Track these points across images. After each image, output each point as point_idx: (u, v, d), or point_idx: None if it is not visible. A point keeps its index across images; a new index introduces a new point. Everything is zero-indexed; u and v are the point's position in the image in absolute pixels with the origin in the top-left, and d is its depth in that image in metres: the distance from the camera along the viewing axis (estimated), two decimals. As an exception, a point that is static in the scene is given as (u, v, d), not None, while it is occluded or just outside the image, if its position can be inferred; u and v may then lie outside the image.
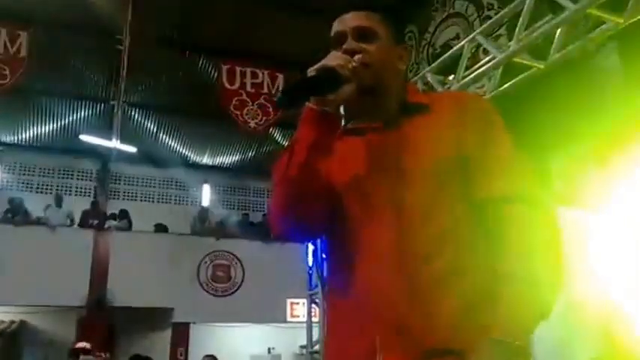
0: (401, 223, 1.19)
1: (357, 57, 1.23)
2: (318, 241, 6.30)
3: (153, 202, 12.65)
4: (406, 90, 1.36)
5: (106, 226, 10.50)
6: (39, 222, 10.05)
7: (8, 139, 11.58)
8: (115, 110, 10.63)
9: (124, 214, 10.94)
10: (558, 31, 3.67)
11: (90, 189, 11.68)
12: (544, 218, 1.18)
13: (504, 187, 1.20)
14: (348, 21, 1.31)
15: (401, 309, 1.13)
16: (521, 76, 3.95)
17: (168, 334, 10.05)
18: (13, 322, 10.01)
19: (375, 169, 1.26)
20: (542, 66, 3.76)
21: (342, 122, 1.36)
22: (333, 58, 1.19)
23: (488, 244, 1.18)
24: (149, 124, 11.53)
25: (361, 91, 1.21)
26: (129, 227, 10.73)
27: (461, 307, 1.13)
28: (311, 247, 6.91)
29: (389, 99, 1.30)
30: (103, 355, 7.92)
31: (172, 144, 12.00)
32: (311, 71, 1.17)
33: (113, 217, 10.95)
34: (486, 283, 1.14)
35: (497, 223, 1.18)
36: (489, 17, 5.06)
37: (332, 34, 1.33)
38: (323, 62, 1.18)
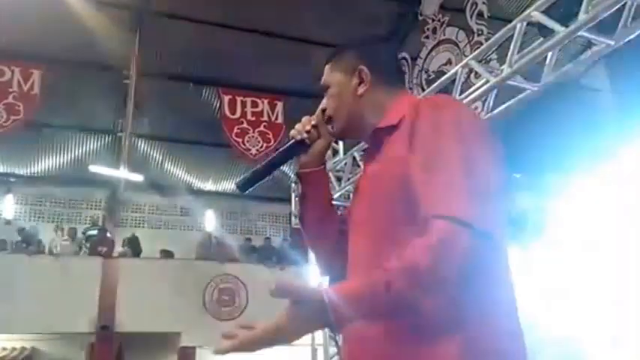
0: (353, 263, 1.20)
1: (326, 113, 1.29)
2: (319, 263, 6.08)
3: (159, 228, 12.48)
4: (385, 108, 1.22)
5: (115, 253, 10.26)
6: (50, 252, 9.86)
7: (21, 171, 11.50)
8: (123, 141, 10.58)
9: (133, 242, 10.69)
10: (550, 54, 3.55)
11: (99, 218, 11.51)
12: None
13: (431, 207, 0.97)
14: None
15: None
16: (515, 99, 3.82)
17: (175, 358, 9.75)
18: (24, 348, 9.78)
19: (355, 200, 1.27)
20: (535, 88, 3.64)
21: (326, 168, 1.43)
22: (295, 127, 1.30)
23: None
24: (155, 154, 11.47)
25: (338, 138, 1.36)
26: (136, 255, 10.47)
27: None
28: (312, 269, 6.72)
29: (364, 129, 1.26)
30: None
31: (177, 172, 11.92)
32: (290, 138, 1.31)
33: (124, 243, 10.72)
34: None
35: None
36: (479, 42, 5.01)
37: None
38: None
